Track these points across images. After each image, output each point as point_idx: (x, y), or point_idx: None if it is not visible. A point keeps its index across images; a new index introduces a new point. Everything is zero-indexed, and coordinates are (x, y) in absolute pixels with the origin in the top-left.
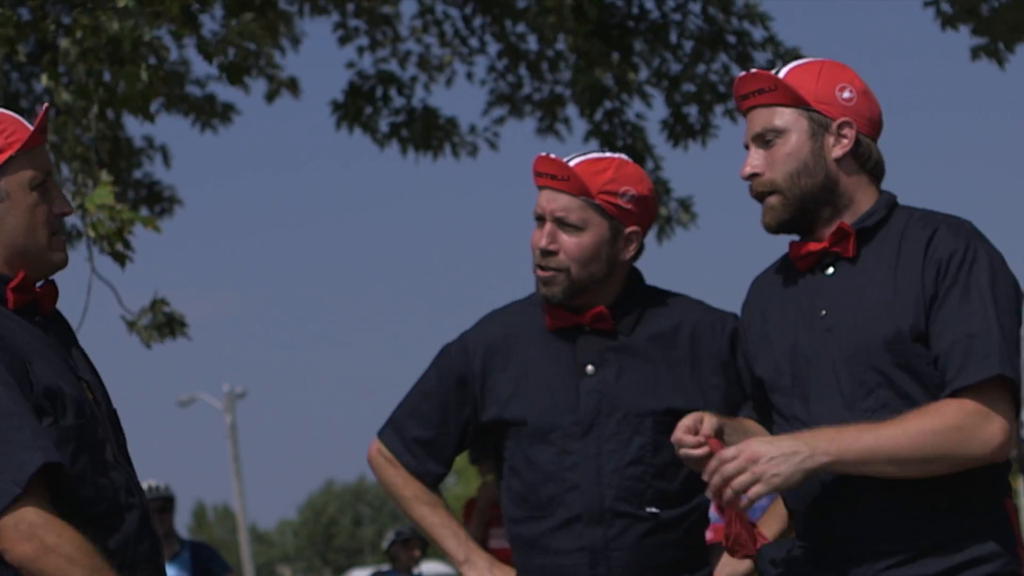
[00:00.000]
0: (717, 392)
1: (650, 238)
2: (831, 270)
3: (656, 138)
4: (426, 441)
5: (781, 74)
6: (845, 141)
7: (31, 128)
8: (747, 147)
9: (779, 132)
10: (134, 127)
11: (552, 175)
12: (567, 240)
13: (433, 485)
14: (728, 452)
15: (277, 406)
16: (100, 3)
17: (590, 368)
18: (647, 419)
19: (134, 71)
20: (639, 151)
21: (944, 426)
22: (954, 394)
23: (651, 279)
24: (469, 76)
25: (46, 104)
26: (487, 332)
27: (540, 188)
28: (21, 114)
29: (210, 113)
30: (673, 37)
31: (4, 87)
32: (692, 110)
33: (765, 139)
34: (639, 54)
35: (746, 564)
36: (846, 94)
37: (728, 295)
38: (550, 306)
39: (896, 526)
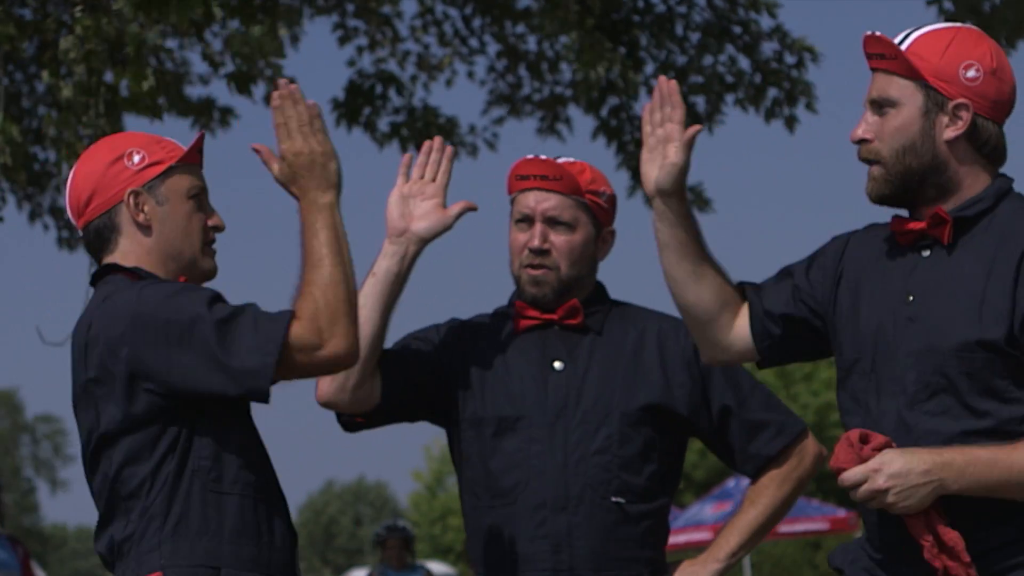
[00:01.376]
0: (683, 390)
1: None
2: (927, 252)
3: None
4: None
5: (908, 41)
6: (960, 123)
7: (187, 148)
8: (865, 107)
9: (893, 103)
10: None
11: (543, 175)
12: (558, 239)
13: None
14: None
15: (277, 406)
16: (100, 4)
17: (558, 364)
18: (614, 412)
19: (139, 73)
20: None
21: None
22: None
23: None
24: (470, 75)
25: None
26: (462, 326)
27: (524, 190)
28: (23, 114)
29: (208, 116)
30: (679, 29)
31: (6, 85)
32: (700, 100)
33: (880, 106)
34: (645, 48)
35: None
36: (971, 72)
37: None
38: (521, 306)
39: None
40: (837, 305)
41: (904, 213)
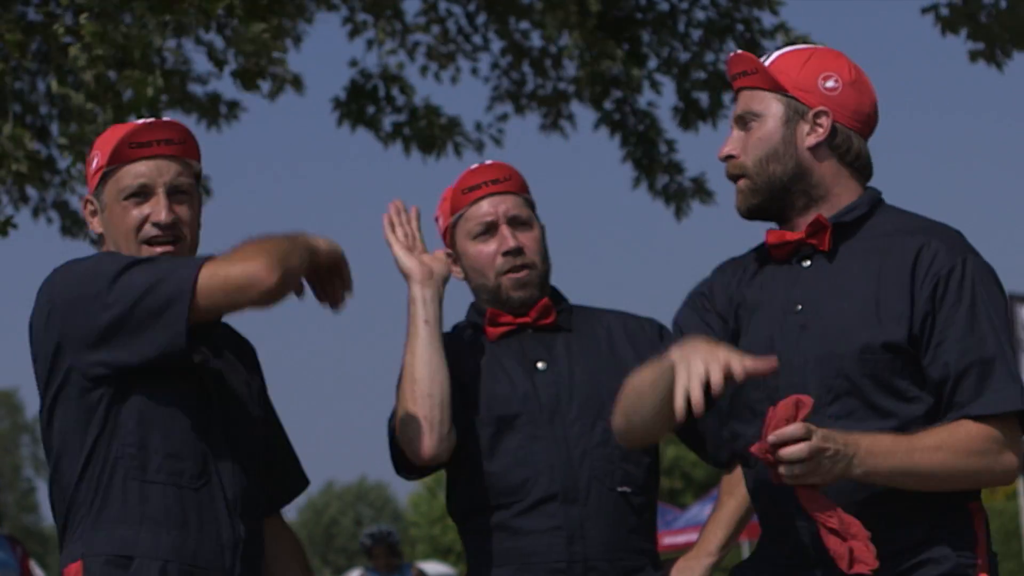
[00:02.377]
0: None
1: (668, 222)
2: (807, 263)
3: (668, 123)
4: None
5: (770, 58)
6: (820, 130)
7: None
8: (731, 126)
9: (756, 116)
10: None
11: (494, 179)
12: (525, 236)
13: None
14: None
15: (278, 406)
16: (107, 10)
17: (541, 364)
18: (607, 403)
19: (143, 78)
20: (651, 137)
21: (971, 449)
22: (971, 418)
23: (668, 257)
24: (474, 72)
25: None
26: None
27: (476, 201)
28: (25, 114)
29: (215, 111)
30: (681, 26)
31: (11, 88)
32: (703, 95)
33: (744, 121)
34: (647, 45)
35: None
36: (830, 83)
37: None
38: (494, 313)
39: None
40: (727, 333)
41: (774, 226)
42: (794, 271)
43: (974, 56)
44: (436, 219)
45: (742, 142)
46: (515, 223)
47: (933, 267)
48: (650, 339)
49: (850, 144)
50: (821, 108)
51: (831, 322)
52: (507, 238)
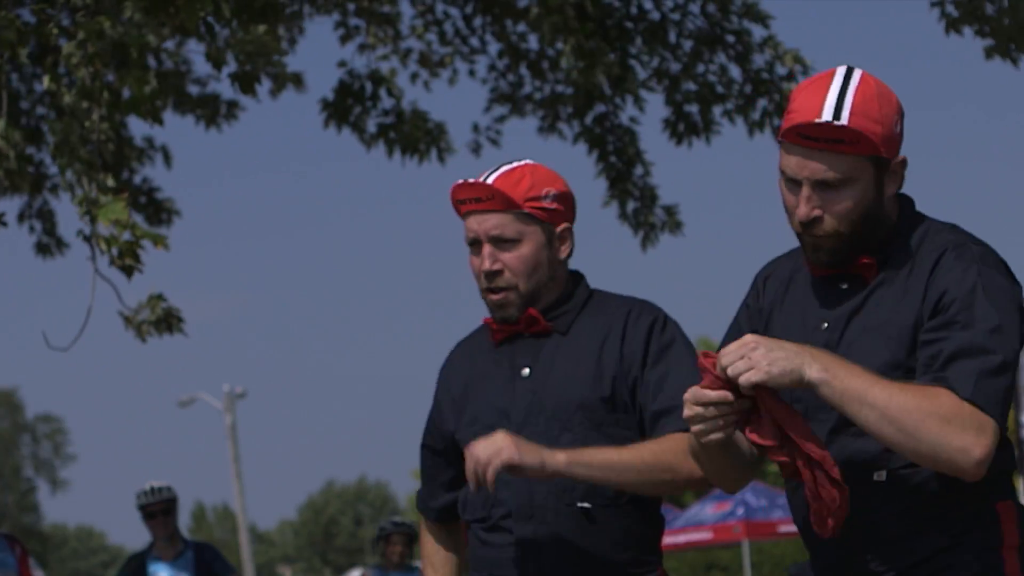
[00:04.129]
0: (631, 374)
1: (634, 245)
2: (845, 285)
3: (649, 142)
4: (426, 479)
5: (844, 112)
6: (900, 176)
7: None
8: (804, 184)
9: (845, 180)
10: (135, 128)
11: (475, 198)
12: (508, 256)
13: (440, 519)
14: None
15: (277, 406)
16: (103, 8)
17: (525, 371)
18: (576, 414)
19: (141, 76)
20: (630, 156)
21: (936, 411)
22: (952, 390)
23: (635, 286)
24: (471, 74)
25: None
26: (453, 352)
27: (466, 215)
28: (21, 114)
29: (214, 110)
30: (672, 37)
31: (6, 88)
32: (693, 108)
33: (827, 184)
34: (636, 55)
35: None
36: (899, 128)
37: (716, 299)
38: (489, 321)
39: (875, 550)
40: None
41: None
42: (829, 289)
43: (989, 52)
44: None
45: (826, 203)
46: (497, 242)
47: (940, 282)
48: (640, 328)
49: (904, 169)
50: (902, 158)
51: (854, 345)
52: (485, 258)
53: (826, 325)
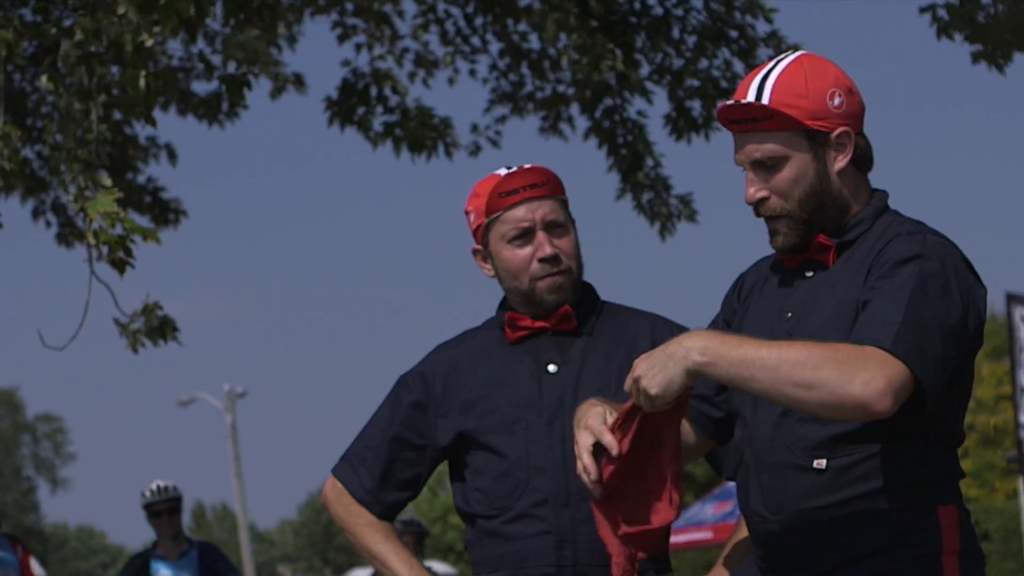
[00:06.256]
0: None
1: (652, 238)
2: (810, 273)
3: (657, 135)
4: (380, 473)
5: (765, 92)
6: (846, 150)
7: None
8: (745, 168)
9: (781, 157)
10: (139, 127)
11: (533, 183)
12: (562, 242)
13: (384, 516)
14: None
15: (277, 406)
16: (101, 5)
17: (552, 367)
18: None
19: (134, 75)
20: (639, 149)
21: (832, 356)
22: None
23: (653, 277)
24: (472, 73)
25: None
26: (447, 354)
27: (512, 206)
28: (22, 114)
29: (216, 109)
30: (675, 32)
31: (6, 87)
32: (695, 104)
33: (765, 165)
34: (640, 50)
35: None
36: (836, 100)
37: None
38: (513, 316)
39: (811, 541)
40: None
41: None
42: (796, 280)
43: (976, 57)
44: (467, 212)
45: (769, 183)
46: (551, 228)
47: (882, 256)
48: None
49: (863, 150)
50: (843, 130)
51: (809, 329)
52: (544, 245)
53: (790, 315)
